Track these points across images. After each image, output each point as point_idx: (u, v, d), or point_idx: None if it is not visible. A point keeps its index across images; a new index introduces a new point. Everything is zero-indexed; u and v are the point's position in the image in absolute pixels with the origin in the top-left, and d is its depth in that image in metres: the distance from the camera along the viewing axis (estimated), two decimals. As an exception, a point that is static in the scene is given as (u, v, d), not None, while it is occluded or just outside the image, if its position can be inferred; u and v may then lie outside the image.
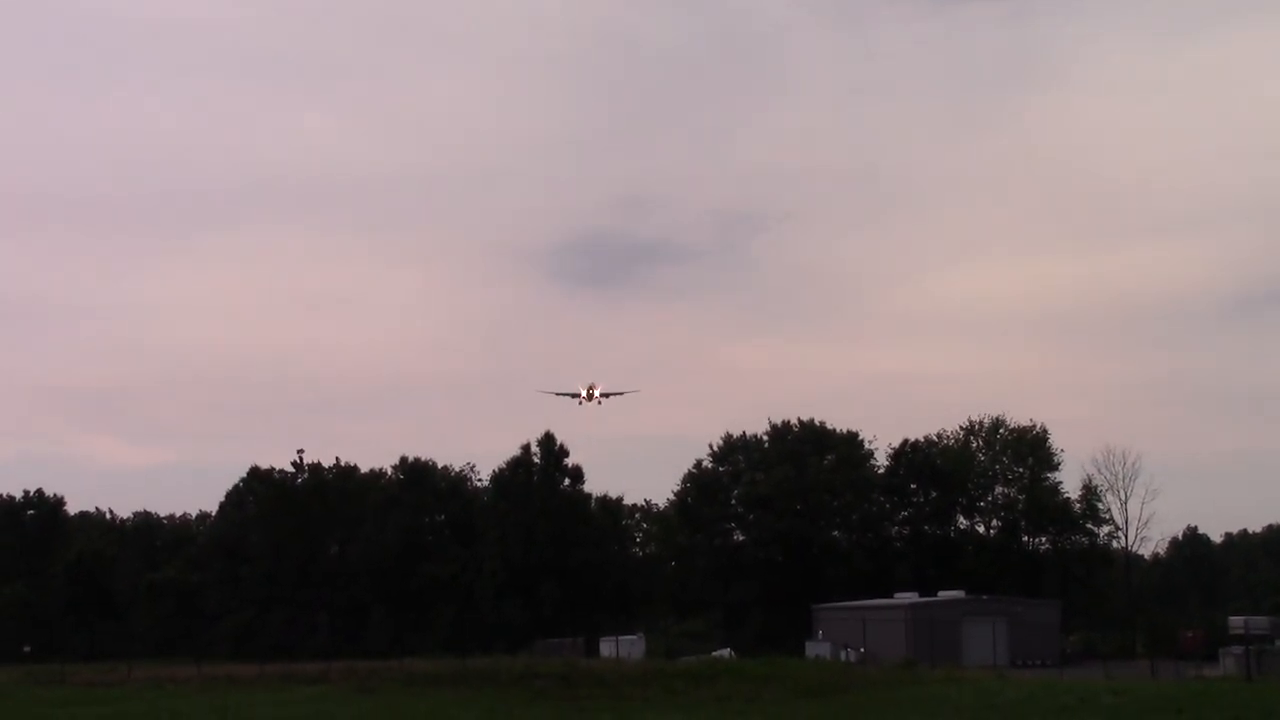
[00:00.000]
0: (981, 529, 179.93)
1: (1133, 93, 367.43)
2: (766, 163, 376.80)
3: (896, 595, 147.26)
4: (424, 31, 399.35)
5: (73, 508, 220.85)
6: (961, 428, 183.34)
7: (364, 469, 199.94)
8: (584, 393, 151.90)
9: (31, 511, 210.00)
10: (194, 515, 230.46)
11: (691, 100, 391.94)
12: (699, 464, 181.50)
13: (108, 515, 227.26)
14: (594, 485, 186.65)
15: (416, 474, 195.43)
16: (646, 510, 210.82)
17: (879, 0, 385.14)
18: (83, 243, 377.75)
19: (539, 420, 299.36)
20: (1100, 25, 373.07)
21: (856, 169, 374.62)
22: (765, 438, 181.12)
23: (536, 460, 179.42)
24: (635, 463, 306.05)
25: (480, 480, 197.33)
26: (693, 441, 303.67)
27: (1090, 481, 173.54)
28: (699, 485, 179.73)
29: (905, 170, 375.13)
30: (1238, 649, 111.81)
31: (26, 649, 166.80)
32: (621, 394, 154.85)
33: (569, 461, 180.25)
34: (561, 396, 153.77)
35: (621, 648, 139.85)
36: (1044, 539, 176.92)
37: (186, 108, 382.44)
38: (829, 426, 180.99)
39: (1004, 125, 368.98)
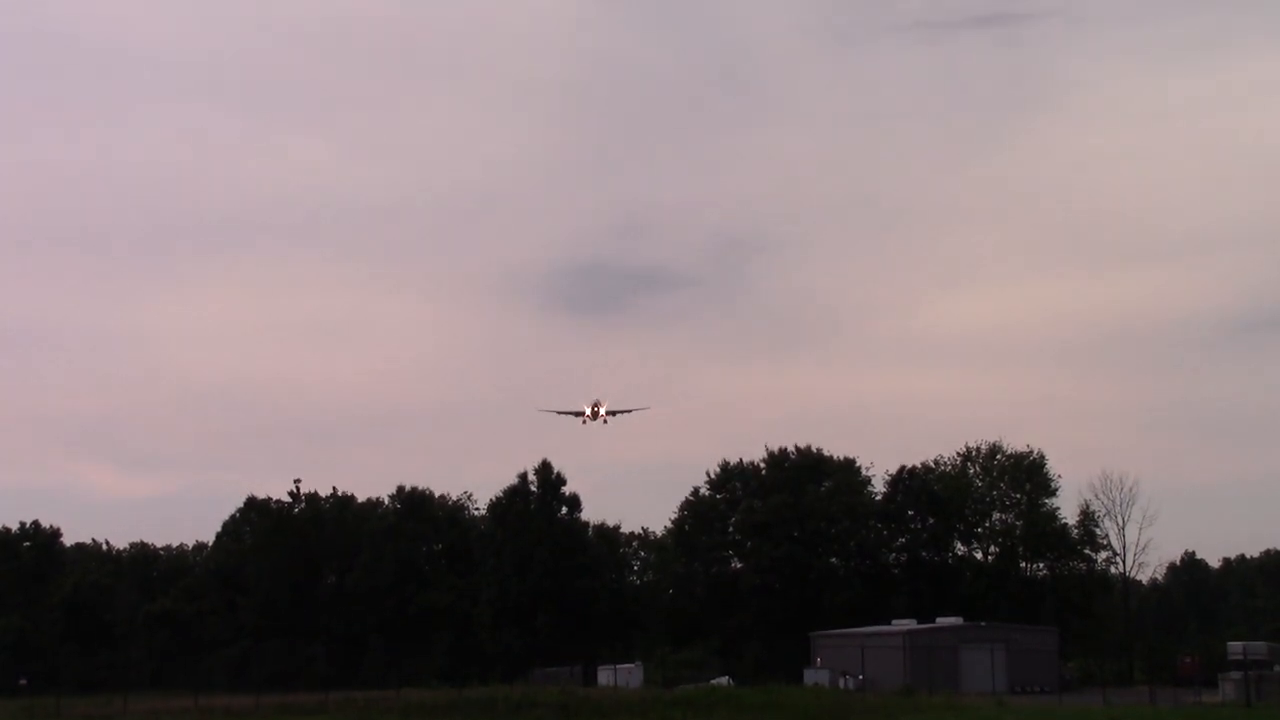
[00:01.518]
0: (979, 555, 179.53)
1: (1129, 119, 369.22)
2: (764, 189, 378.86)
3: (894, 622, 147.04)
4: (421, 59, 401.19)
5: (69, 539, 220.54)
6: (959, 454, 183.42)
7: (361, 498, 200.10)
8: (588, 411, 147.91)
9: (28, 543, 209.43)
10: (191, 546, 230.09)
11: (689, 126, 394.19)
12: (696, 491, 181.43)
13: (104, 546, 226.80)
14: (591, 512, 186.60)
15: (414, 503, 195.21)
16: (644, 538, 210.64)
17: (876, 27, 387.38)
18: (79, 270, 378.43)
19: (536, 448, 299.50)
20: (1096, 52, 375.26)
21: (854, 195, 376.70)
22: (762, 465, 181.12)
23: (533, 489, 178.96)
24: (632, 489, 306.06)
25: (477, 509, 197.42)
26: (690, 468, 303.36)
27: (1088, 507, 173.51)
28: (696, 513, 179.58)
29: (903, 196, 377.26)
30: (1237, 675, 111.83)
31: (22, 681, 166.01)
32: (629, 412, 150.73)
33: (566, 489, 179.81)
34: (564, 415, 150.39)
35: (619, 676, 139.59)
36: (1042, 565, 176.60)
37: (183, 135, 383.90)
38: (826, 453, 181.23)
39: (1000, 152, 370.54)
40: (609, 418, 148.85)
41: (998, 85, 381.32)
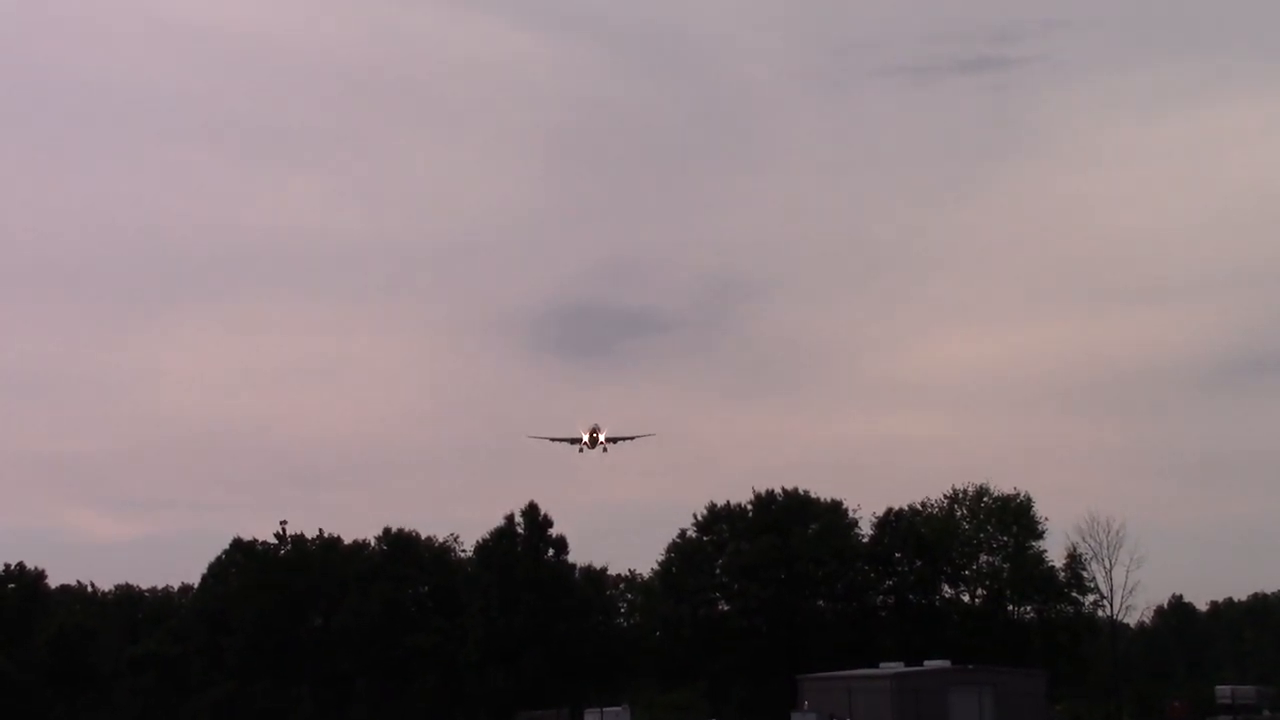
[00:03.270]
0: (966, 598, 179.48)
1: (1115, 163, 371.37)
2: (751, 232, 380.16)
3: (882, 665, 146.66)
4: (410, 103, 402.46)
5: (54, 581, 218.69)
6: (945, 496, 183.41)
7: (347, 540, 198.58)
8: (585, 438, 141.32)
9: (12, 585, 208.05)
10: (176, 588, 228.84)
11: (676, 170, 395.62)
12: (683, 533, 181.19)
13: (89, 588, 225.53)
14: (578, 554, 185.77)
15: (400, 545, 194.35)
16: (631, 580, 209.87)
17: (865, 71, 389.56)
18: (64, 312, 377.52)
19: (523, 490, 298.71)
20: (1082, 97, 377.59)
21: (841, 238, 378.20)
22: (749, 507, 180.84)
23: (520, 531, 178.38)
24: (619, 531, 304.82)
25: (464, 551, 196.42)
26: (677, 510, 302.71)
27: (1075, 550, 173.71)
28: (683, 555, 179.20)
29: (890, 239, 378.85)
30: (1225, 718, 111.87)
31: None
32: (631, 439, 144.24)
33: (553, 532, 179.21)
34: (558, 443, 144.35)
35: (606, 719, 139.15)
36: (1029, 608, 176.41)
37: (173, 179, 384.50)
38: (813, 495, 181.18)
39: (987, 195, 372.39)
40: (608, 445, 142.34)
41: (984, 130, 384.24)
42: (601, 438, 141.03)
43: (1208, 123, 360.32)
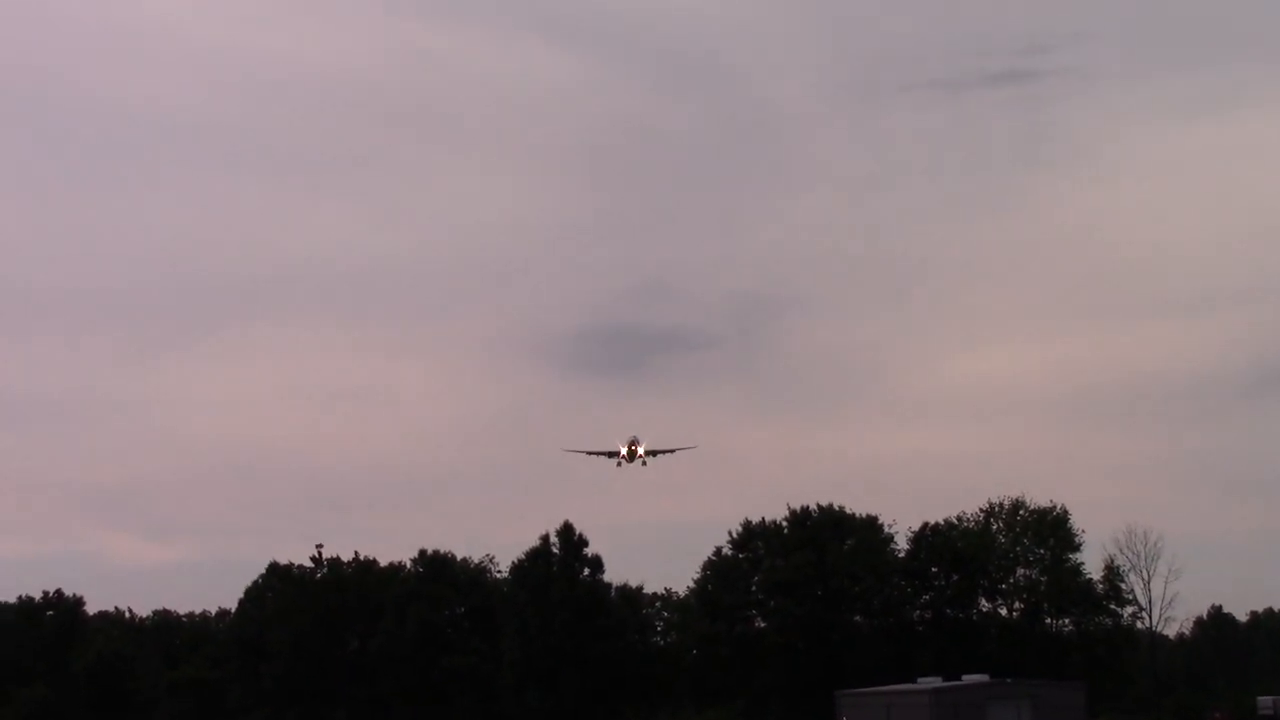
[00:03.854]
0: (1004, 611, 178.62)
1: (1144, 174, 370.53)
2: (783, 248, 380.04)
3: (920, 680, 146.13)
4: (442, 123, 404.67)
5: (92, 607, 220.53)
6: (981, 510, 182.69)
7: (383, 562, 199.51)
8: (623, 451, 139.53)
9: (51, 612, 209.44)
10: (213, 612, 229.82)
11: (708, 187, 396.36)
12: (719, 551, 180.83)
13: (127, 614, 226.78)
14: (613, 573, 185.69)
15: (436, 567, 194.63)
16: (667, 598, 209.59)
17: (893, 87, 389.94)
18: (100, 340, 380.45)
19: (558, 510, 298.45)
20: (1109, 109, 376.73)
21: (872, 253, 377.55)
22: (785, 523, 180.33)
23: (555, 551, 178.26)
24: (654, 549, 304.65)
25: (500, 572, 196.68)
26: (712, 527, 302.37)
27: (1112, 562, 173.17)
28: (719, 572, 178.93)
29: (921, 254, 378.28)
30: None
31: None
32: (671, 452, 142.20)
33: (588, 551, 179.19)
34: (595, 456, 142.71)
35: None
36: (1067, 620, 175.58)
37: (203, 203, 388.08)
38: (848, 511, 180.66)
39: (1017, 208, 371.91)
40: (647, 458, 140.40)
41: (1013, 142, 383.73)
42: (640, 450, 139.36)
43: (1239, 132, 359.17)
